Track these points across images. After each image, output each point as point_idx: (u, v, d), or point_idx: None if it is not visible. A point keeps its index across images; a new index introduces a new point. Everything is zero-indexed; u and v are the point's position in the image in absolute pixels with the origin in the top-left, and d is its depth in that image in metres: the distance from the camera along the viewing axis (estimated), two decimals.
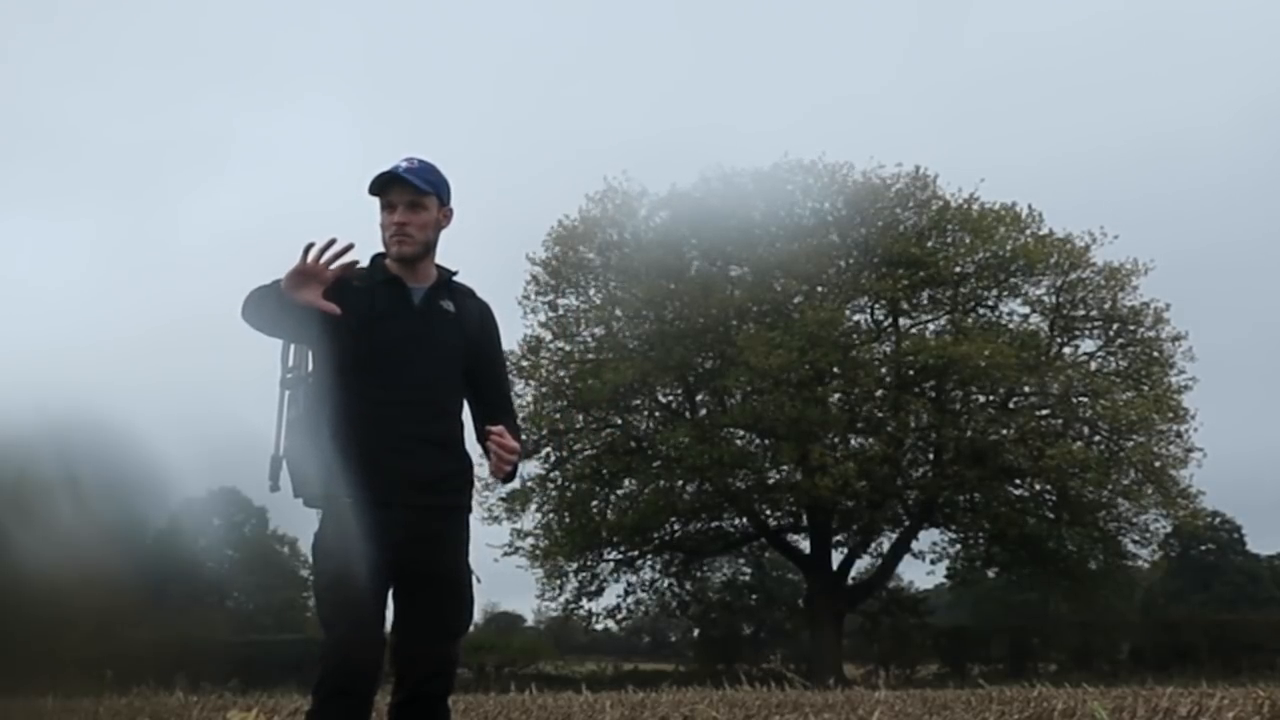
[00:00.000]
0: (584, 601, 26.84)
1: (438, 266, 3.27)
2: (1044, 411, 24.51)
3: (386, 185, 3.14)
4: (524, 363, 24.95)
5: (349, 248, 2.99)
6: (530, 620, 43.89)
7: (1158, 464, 23.52)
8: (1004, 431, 23.85)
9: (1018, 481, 24.74)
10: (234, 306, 3.10)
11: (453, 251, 3.33)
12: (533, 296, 25.94)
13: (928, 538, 26.42)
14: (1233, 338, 60.14)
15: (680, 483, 24.93)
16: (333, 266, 2.98)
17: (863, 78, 66.69)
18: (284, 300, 2.98)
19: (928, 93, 62.24)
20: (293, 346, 3.17)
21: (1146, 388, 24.02)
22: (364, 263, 3.25)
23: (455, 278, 3.31)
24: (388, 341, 3.10)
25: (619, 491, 25.84)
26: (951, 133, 57.44)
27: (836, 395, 24.70)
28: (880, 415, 24.51)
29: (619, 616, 28.43)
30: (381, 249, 3.24)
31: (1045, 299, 25.01)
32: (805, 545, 26.43)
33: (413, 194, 3.14)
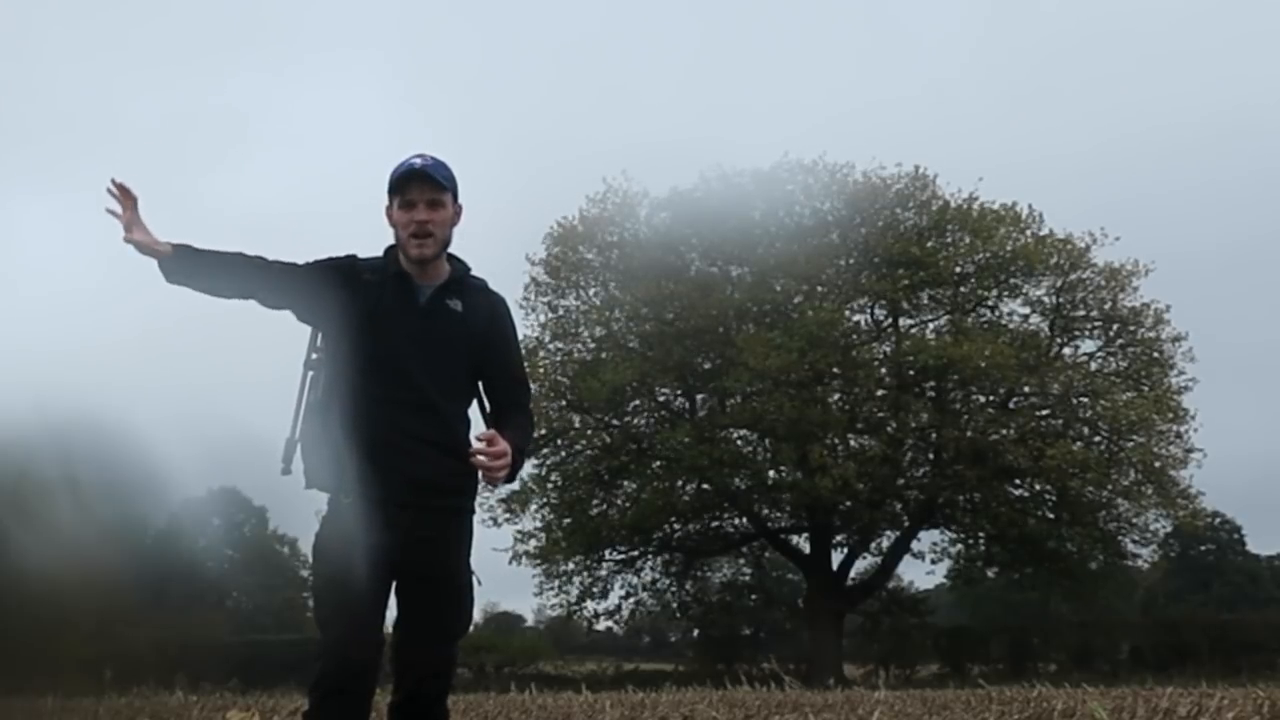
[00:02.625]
0: (587, 602, 26.86)
1: (452, 259, 3.24)
2: (1044, 412, 24.49)
3: (407, 182, 3.09)
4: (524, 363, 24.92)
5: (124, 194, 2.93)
6: (530, 620, 43.97)
7: (1158, 464, 23.50)
8: (1004, 431, 23.81)
9: (1018, 481, 24.71)
10: (240, 309, 3.08)
11: (454, 250, 3.31)
12: (533, 297, 25.97)
13: (928, 538, 26.41)
14: (1233, 339, 60.18)
15: (680, 483, 24.91)
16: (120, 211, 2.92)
17: (863, 78, 66.66)
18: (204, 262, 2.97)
19: (927, 93, 62.23)
20: (321, 330, 3.15)
21: (1146, 388, 24.00)
22: (378, 254, 3.24)
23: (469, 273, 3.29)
24: (390, 341, 3.07)
25: (619, 492, 25.83)
26: (951, 133, 57.45)
27: (836, 396, 24.68)
28: (880, 415, 24.49)
29: (619, 617, 28.42)
30: (391, 242, 3.21)
31: (1045, 299, 25.00)
32: (805, 545, 26.42)
33: (433, 191, 3.09)
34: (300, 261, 3.12)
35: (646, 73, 69.55)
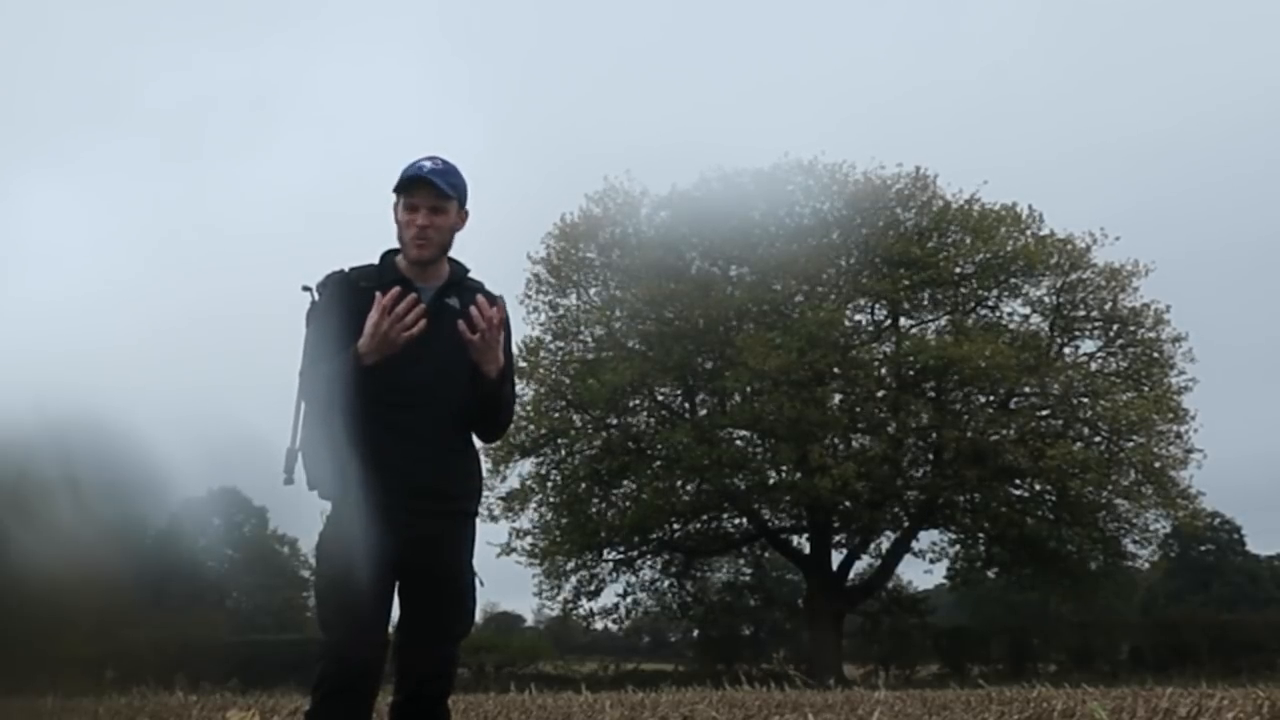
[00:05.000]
0: (583, 601, 26.84)
1: (451, 262, 3.26)
2: (1044, 412, 24.50)
3: (412, 185, 3.13)
4: (523, 363, 24.94)
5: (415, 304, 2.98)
6: (530, 620, 43.94)
7: (1157, 465, 23.51)
8: (1004, 432, 23.83)
9: (1018, 482, 24.72)
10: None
11: (455, 249, 3.32)
12: (534, 295, 25.97)
13: (928, 538, 26.45)
14: (1233, 339, 60.21)
15: (680, 483, 24.91)
16: (407, 333, 2.97)
17: (863, 77, 66.67)
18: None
19: (928, 94, 62.24)
20: (313, 337, 3.16)
21: (1147, 388, 24.01)
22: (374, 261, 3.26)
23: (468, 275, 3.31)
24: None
25: (618, 492, 25.83)
26: (952, 133, 57.46)
27: (837, 396, 24.69)
28: (880, 415, 24.49)
29: (615, 616, 28.35)
30: (391, 245, 3.23)
31: (1046, 299, 25.02)
32: (805, 545, 26.42)
33: (436, 197, 3.12)
34: (324, 327, 3.13)
35: (648, 72, 69.57)
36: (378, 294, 2.98)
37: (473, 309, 3.04)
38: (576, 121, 64.05)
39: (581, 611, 27.26)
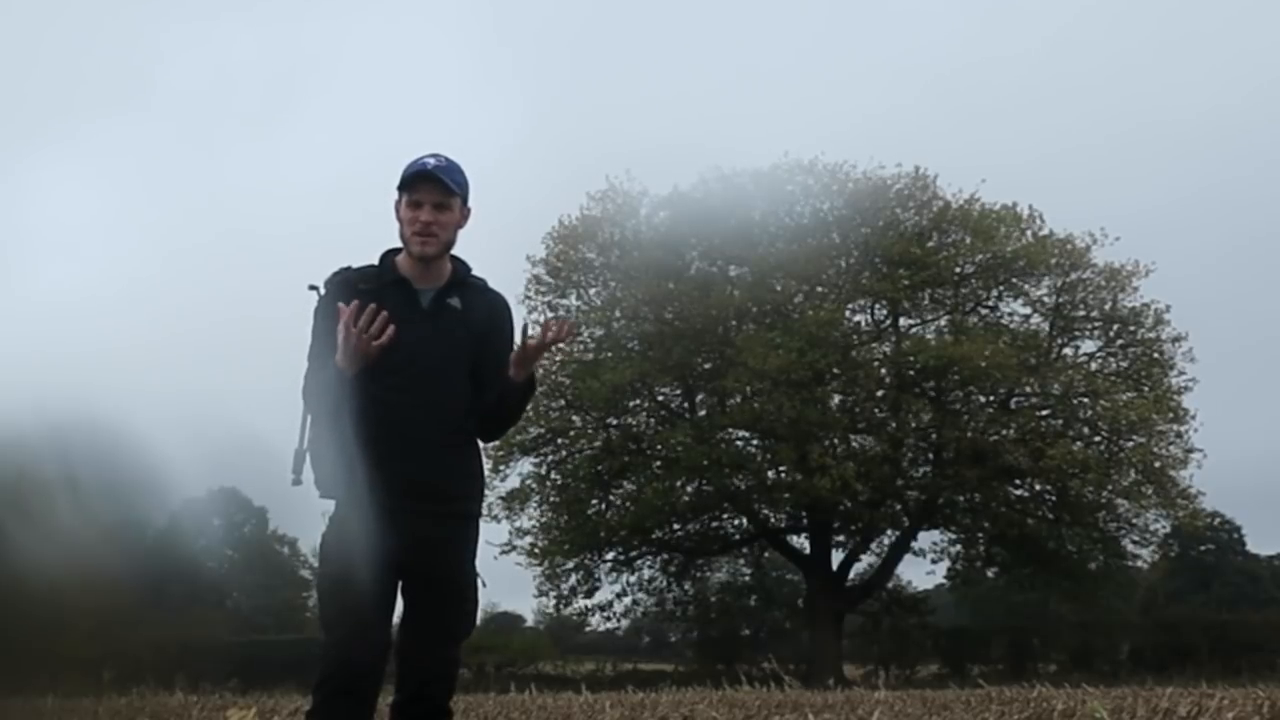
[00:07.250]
0: (579, 598, 26.81)
1: (454, 260, 3.26)
2: (1044, 412, 24.50)
3: (416, 181, 3.12)
4: None
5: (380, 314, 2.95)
6: (530, 620, 43.88)
7: (1157, 464, 23.51)
8: (1004, 432, 23.83)
9: (1018, 482, 24.73)
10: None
11: (459, 246, 3.32)
12: (533, 296, 25.96)
13: (928, 538, 26.44)
14: (1233, 339, 60.21)
15: (680, 483, 24.91)
16: (376, 343, 2.94)
17: (863, 77, 66.68)
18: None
19: (927, 93, 62.26)
20: (314, 339, 3.16)
21: (1147, 388, 24.02)
22: (374, 261, 3.26)
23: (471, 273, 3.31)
24: (395, 345, 3.04)
25: (618, 491, 25.82)
26: (951, 133, 57.46)
27: (836, 396, 24.69)
28: (880, 415, 24.50)
29: (610, 613, 28.22)
30: (390, 246, 3.23)
31: (1046, 299, 25.01)
32: (805, 545, 26.42)
33: (441, 194, 3.11)
34: (321, 331, 3.13)
35: (647, 72, 69.57)
36: (340, 305, 2.94)
37: (550, 321, 3.10)
38: (576, 122, 64.05)
39: (577, 608, 27.22)
